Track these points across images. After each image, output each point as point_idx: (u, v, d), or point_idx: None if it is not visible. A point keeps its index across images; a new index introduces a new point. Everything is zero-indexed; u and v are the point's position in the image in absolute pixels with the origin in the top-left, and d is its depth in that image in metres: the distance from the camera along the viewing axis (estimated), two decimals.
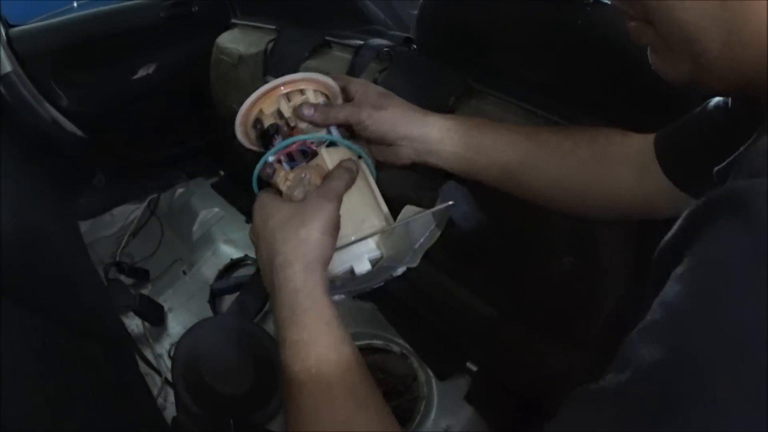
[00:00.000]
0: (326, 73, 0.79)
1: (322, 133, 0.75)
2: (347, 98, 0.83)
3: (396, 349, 1.51)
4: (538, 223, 1.04)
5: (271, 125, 0.72)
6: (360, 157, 0.74)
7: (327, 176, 0.68)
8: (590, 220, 0.87)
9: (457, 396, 1.41)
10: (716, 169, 0.55)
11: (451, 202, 0.72)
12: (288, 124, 0.74)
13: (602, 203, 0.80)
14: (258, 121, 0.74)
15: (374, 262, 0.71)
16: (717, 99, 0.66)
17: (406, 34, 1.39)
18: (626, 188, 0.76)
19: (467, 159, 0.82)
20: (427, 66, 1.25)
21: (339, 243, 0.67)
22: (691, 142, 0.69)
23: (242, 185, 2.17)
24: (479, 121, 0.84)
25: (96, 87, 2.02)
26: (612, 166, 0.77)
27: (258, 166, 0.69)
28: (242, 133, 0.76)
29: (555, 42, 1.04)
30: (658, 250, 0.44)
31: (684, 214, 0.41)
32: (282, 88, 0.74)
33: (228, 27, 1.88)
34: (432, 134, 0.81)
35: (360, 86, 0.83)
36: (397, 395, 1.45)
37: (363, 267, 0.70)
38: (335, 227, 0.65)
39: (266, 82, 0.73)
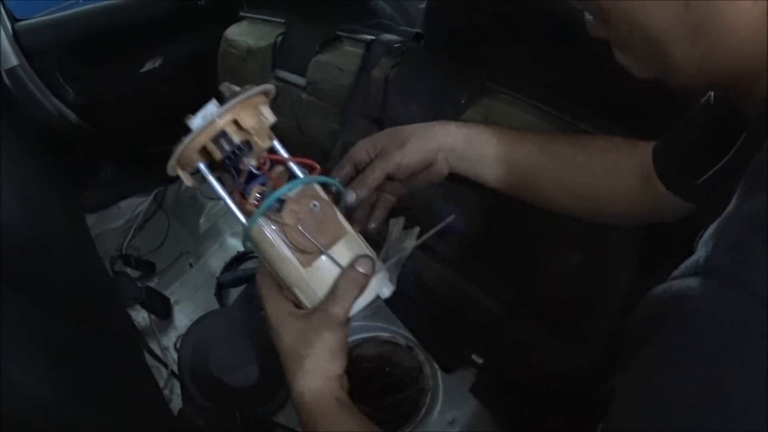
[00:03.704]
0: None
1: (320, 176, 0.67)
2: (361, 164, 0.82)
3: (402, 341, 1.52)
4: (548, 220, 1.04)
5: (243, 142, 0.62)
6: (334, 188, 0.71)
7: (330, 295, 0.64)
8: (599, 224, 0.88)
9: (463, 388, 1.42)
10: (697, 182, 0.55)
11: (452, 216, 0.74)
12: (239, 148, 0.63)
13: (612, 211, 0.82)
14: (223, 140, 0.62)
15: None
16: (706, 98, 0.67)
17: (416, 30, 1.39)
18: (635, 197, 0.78)
19: (487, 167, 0.83)
20: (439, 63, 1.25)
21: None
22: (685, 150, 0.70)
23: None
24: (497, 129, 0.85)
25: (102, 81, 2.03)
26: (622, 178, 0.78)
27: (270, 200, 0.61)
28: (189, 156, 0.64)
29: (565, 38, 1.04)
30: (629, 321, 0.45)
31: (648, 296, 0.42)
32: (256, 98, 0.64)
33: (236, 20, 1.88)
34: (458, 143, 0.82)
35: (366, 145, 0.82)
36: (403, 387, 1.45)
37: (388, 290, 0.70)
38: (342, 348, 0.65)
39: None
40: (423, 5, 1.29)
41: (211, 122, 0.61)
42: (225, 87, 0.64)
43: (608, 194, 0.80)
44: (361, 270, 0.64)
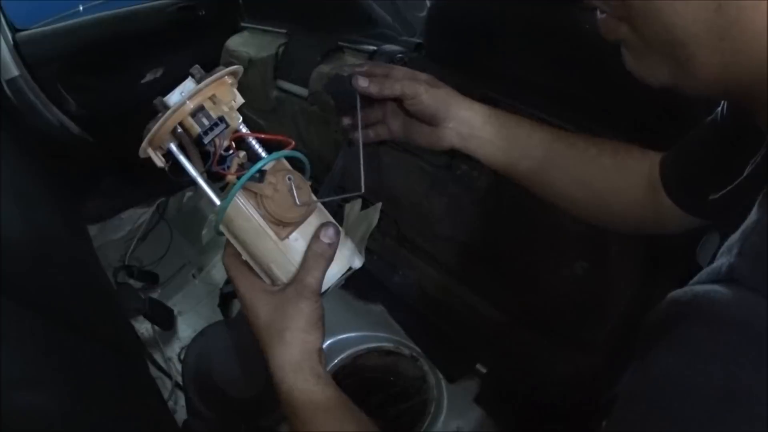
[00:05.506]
0: None
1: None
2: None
3: (406, 351, 1.51)
4: (551, 228, 1.04)
5: (219, 118, 0.64)
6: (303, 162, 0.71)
7: (301, 267, 0.66)
8: (602, 226, 0.89)
9: (467, 398, 1.42)
10: (712, 197, 0.55)
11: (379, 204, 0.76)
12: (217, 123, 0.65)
13: (616, 212, 0.83)
14: (201, 115, 0.64)
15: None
16: (713, 116, 0.67)
17: (418, 40, 1.39)
18: (640, 201, 0.79)
19: (502, 149, 0.85)
20: (441, 74, 1.25)
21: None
22: (692, 165, 0.71)
23: None
24: (513, 115, 0.88)
25: (103, 91, 2.02)
26: (630, 178, 0.79)
27: (255, 168, 0.63)
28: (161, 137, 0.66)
29: (566, 48, 1.04)
30: (644, 323, 0.44)
31: (668, 298, 0.41)
32: (227, 78, 0.67)
33: (237, 30, 1.88)
34: (476, 119, 0.85)
35: (408, 70, 0.88)
36: (408, 397, 1.45)
37: (359, 262, 0.71)
38: (319, 319, 0.66)
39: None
40: (423, 14, 1.29)
41: (192, 95, 0.63)
42: (195, 69, 0.66)
43: (615, 191, 0.81)
44: (325, 240, 0.65)
